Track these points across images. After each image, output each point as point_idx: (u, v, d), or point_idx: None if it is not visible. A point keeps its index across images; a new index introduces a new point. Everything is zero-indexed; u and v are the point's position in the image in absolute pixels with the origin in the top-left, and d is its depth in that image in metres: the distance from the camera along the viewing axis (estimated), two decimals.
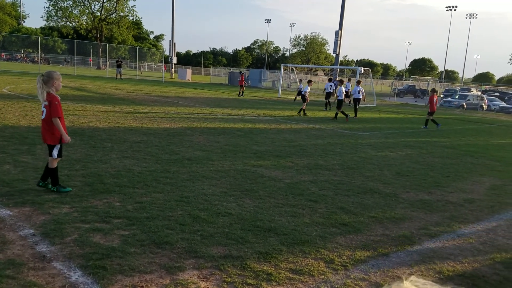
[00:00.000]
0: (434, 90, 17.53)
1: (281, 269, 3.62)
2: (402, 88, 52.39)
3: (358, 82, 19.65)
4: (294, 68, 42.61)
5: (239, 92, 29.31)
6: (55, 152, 5.09)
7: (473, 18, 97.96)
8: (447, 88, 53.38)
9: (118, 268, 3.37)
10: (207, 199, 5.34)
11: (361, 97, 19.16)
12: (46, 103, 4.89)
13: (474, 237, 4.87)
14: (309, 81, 19.63)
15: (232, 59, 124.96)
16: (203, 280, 3.32)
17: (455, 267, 4.00)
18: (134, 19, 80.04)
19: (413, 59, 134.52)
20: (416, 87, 53.78)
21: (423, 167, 8.63)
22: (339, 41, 37.86)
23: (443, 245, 4.53)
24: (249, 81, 47.05)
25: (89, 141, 8.39)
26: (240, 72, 31.87)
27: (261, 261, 3.73)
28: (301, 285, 3.40)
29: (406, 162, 9.09)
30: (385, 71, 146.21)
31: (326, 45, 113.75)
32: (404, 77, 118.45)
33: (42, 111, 4.96)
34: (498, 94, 45.94)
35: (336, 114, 17.10)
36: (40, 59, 51.68)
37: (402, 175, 7.76)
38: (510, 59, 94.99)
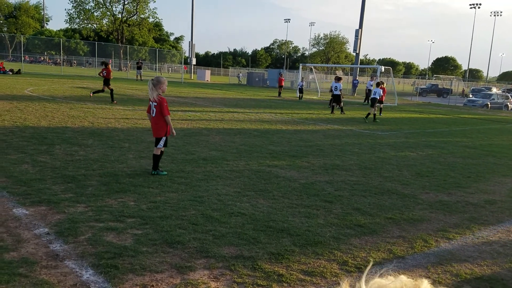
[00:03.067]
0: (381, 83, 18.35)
1: (293, 270, 3.57)
2: (424, 87, 51.47)
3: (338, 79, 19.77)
4: (313, 67, 42.33)
5: (279, 93, 29.69)
6: (161, 143, 6.20)
7: (497, 15, 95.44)
8: (474, 87, 52.22)
9: (129, 267, 3.38)
10: (221, 199, 5.33)
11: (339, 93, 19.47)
12: (156, 103, 5.99)
13: (494, 239, 4.72)
14: (339, 78, 19.62)
15: (251, 59, 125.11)
16: (213, 280, 3.30)
17: (473, 269, 3.88)
18: (155, 21, 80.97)
19: (436, 57, 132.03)
20: (439, 86, 52.76)
21: (444, 168, 8.43)
22: (359, 40, 37.45)
23: (461, 248, 4.39)
24: (268, 82, 47.01)
25: (107, 141, 8.50)
26: (280, 73, 32.39)
27: (272, 261, 3.69)
28: (312, 286, 3.34)
29: (427, 162, 8.89)
30: (408, 70, 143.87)
31: (347, 44, 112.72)
32: (427, 76, 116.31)
33: (153, 110, 6.07)
34: None
35: (369, 114, 16.95)
36: (63, 61, 52.80)
37: (422, 175, 7.59)
38: None
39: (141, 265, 3.43)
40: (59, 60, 64.65)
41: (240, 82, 53.74)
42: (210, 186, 5.89)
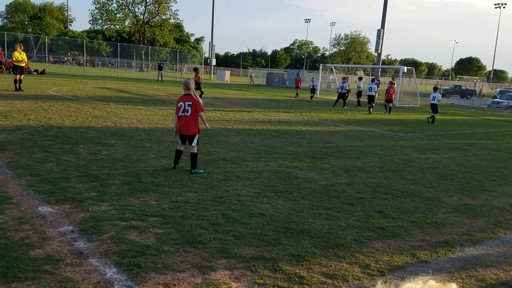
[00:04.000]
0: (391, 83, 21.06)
1: (314, 272, 3.54)
2: (448, 88, 50.50)
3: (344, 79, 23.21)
4: (333, 67, 42.04)
5: (296, 94, 29.70)
6: (195, 141, 6.48)
7: None
8: (501, 89, 50.96)
9: (151, 265, 3.42)
10: (241, 200, 5.34)
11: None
12: (191, 102, 6.31)
13: None
14: (360, 78, 21.78)
15: (270, 60, 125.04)
16: (234, 281, 3.30)
17: (498, 275, 3.78)
18: (176, 22, 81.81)
19: (460, 58, 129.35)
20: (463, 87, 51.66)
21: (468, 171, 8.25)
22: (381, 40, 36.99)
23: (486, 252, 4.29)
24: (287, 82, 46.90)
25: (130, 141, 8.62)
26: (297, 74, 32.41)
27: (293, 263, 3.67)
28: None
29: (450, 165, 8.72)
30: (430, 70, 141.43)
31: (368, 44, 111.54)
32: (450, 76, 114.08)
33: (186, 110, 6.31)
34: None
35: (433, 117, 17.28)
36: (86, 62, 53.83)
37: (446, 178, 7.44)
38: None
39: (163, 264, 3.47)
40: (82, 60, 65.94)
41: (251, 82, 53.90)
42: (230, 186, 5.91)
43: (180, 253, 3.70)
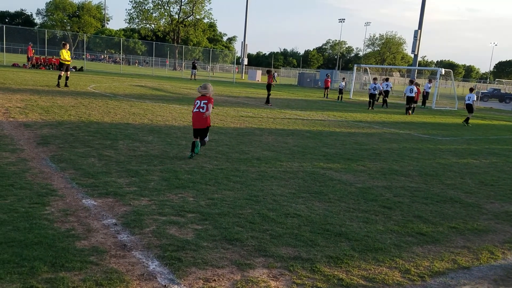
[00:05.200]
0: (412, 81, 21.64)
1: (353, 275, 3.51)
2: (486, 91, 48.85)
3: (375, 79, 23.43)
4: (368, 68, 41.40)
5: (325, 94, 29.53)
6: (207, 137, 7.42)
7: None
8: None
9: (192, 260, 3.48)
10: (276, 199, 5.35)
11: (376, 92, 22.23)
12: (206, 101, 7.09)
13: None
14: (387, 79, 21.43)
15: (302, 60, 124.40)
16: (272, 280, 3.32)
17: None
18: (210, 21, 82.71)
19: (499, 61, 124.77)
20: (502, 91, 49.83)
21: (510, 177, 7.96)
22: (418, 41, 36.17)
23: None
24: (319, 82, 46.56)
25: (166, 138, 8.79)
26: (327, 75, 32.16)
27: (331, 265, 3.65)
28: None
29: (491, 170, 8.43)
30: (467, 73, 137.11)
31: (403, 44, 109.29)
32: (488, 79, 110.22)
33: (203, 107, 7.07)
34: None
35: (467, 118, 17.48)
36: (122, 60, 55.17)
37: (486, 184, 7.21)
38: None
39: (203, 259, 3.52)
40: (118, 58, 67.60)
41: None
42: (265, 186, 5.93)
43: (219, 250, 3.75)
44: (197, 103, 7.14)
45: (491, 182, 7.37)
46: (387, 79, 26.95)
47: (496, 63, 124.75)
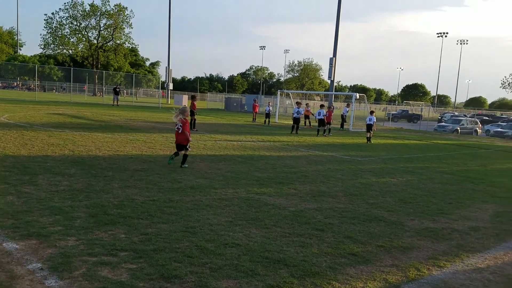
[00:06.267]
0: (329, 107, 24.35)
1: None
2: (395, 113, 53.03)
3: (321, 106, 23.11)
4: (290, 93, 43.03)
5: (253, 118, 29.91)
6: (187, 147, 9.57)
7: (464, 44, 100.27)
8: (445, 112, 54.33)
9: None
10: (213, 229, 5.29)
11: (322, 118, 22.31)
12: (182, 124, 9.35)
13: (483, 266, 4.85)
14: (321, 105, 22.86)
15: (227, 84, 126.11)
16: None
17: None
18: (131, 46, 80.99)
19: (406, 84, 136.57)
20: (410, 112, 54.49)
21: (425, 194, 8.64)
22: (333, 68, 38.41)
23: (453, 276, 4.49)
24: (246, 107, 47.42)
25: (90, 170, 8.35)
26: (254, 100, 32.60)
27: None
28: None
29: (408, 188, 9.10)
30: (378, 96, 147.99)
31: (320, 70, 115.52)
32: (396, 102, 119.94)
33: (179, 128, 9.37)
34: (487, 118, 47.87)
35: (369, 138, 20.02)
36: (37, 87, 51.89)
37: (405, 202, 7.76)
38: (502, 84, 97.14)
39: None
40: (32, 85, 63.46)
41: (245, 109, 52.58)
42: (201, 215, 5.85)
43: None
44: (176, 123, 9.39)
45: (409, 200, 7.94)
46: (298, 103, 26.87)
47: (404, 86, 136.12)
